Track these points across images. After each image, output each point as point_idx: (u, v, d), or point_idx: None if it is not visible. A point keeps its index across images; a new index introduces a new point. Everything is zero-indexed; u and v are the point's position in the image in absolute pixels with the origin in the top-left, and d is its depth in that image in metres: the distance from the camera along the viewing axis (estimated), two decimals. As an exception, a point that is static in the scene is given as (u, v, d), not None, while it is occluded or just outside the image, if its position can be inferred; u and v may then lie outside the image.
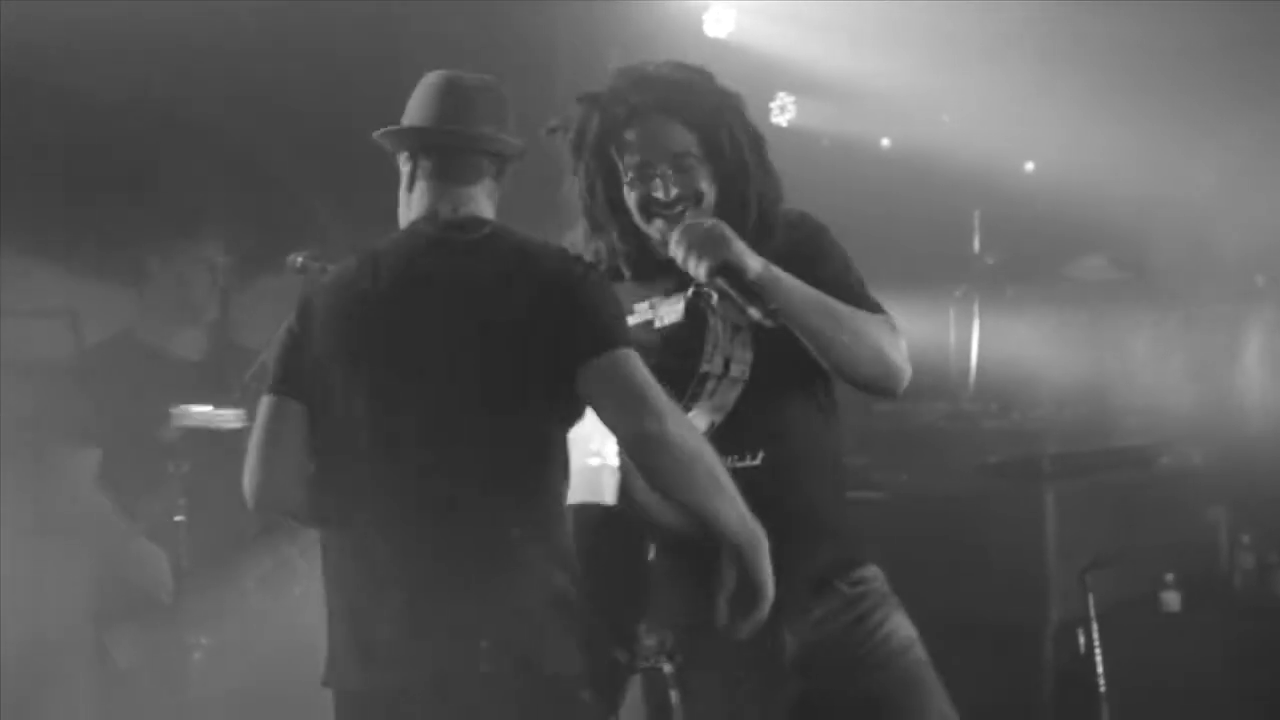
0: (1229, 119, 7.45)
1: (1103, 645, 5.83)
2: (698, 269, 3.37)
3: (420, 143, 3.33)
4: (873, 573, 3.64)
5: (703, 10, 6.95)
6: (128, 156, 5.77)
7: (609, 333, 3.09)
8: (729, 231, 3.39)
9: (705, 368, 3.45)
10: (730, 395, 3.49)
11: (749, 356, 3.49)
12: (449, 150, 3.31)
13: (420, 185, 3.32)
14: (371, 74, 6.53)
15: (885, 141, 8.43)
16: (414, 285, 3.17)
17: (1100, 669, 5.85)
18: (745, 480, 3.31)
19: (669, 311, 3.54)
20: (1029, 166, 8.70)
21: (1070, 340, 8.21)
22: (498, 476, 3.06)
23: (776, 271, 3.40)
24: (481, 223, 3.23)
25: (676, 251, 3.41)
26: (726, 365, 3.46)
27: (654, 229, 3.56)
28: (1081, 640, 5.96)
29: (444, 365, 3.10)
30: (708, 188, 3.54)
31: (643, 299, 3.60)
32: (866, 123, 8.10)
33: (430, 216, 3.26)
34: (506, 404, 3.08)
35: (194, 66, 6.05)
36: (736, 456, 3.47)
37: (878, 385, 3.52)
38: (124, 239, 5.26)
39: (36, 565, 5.02)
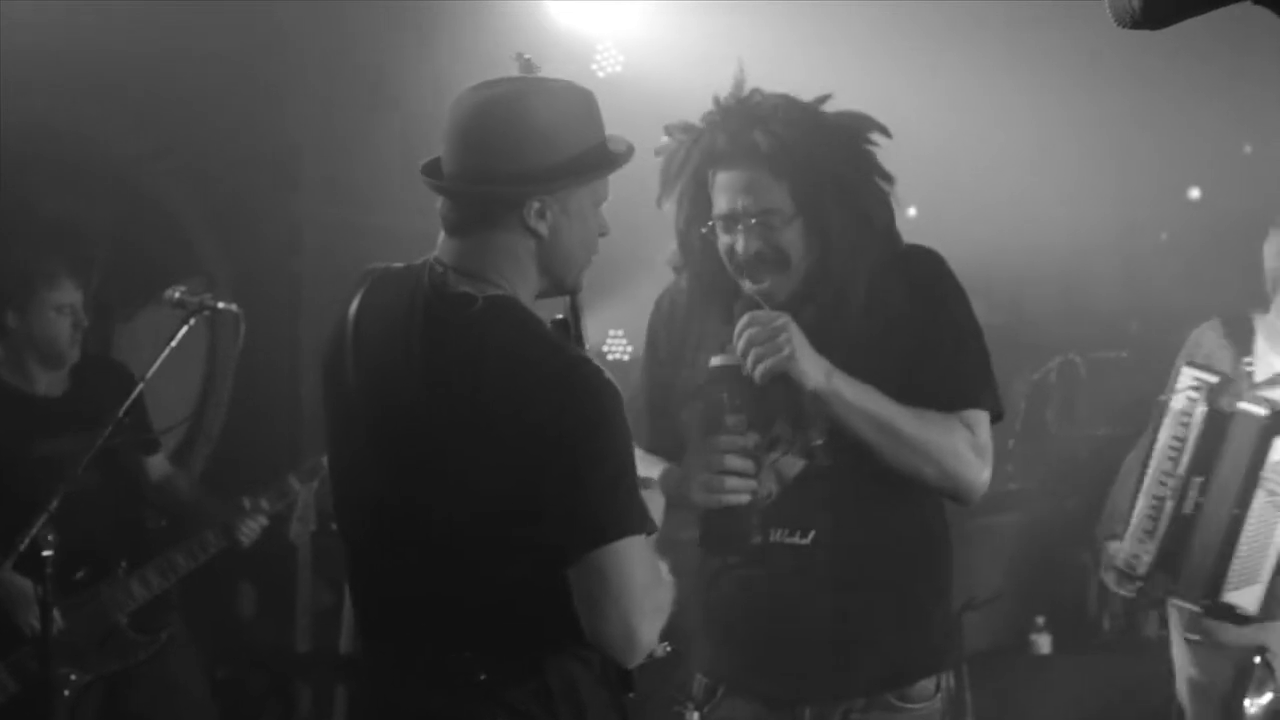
0: (1107, 169, 7.57)
1: (972, 687, 5.89)
2: (754, 368, 3.14)
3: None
4: (926, 690, 3.32)
5: (593, 47, 6.91)
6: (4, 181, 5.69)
7: (608, 517, 2.64)
8: (795, 335, 3.13)
9: (776, 432, 3.29)
10: (794, 467, 3.29)
11: (824, 431, 3.25)
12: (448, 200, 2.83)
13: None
14: (261, 106, 6.52)
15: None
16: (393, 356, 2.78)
17: (970, 710, 5.90)
18: (792, 558, 3.26)
19: None
20: (911, 212, 8.77)
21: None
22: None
23: (839, 384, 3.14)
24: (470, 299, 2.72)
25: (738, 340, 3.16)
26: (796, 435, 3.26)
27: (739, 280, 3.28)
28: (951, 682, 6.02)
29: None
30: (796, 248, 3.22)
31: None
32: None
33: (434, 266, 2.81)
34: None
35: (78, 92, 5.99)
36: (787, 531, 3.28)
37: (945, 494, 3.28)
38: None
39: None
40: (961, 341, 3.27)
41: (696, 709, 3.37)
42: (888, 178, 3.31)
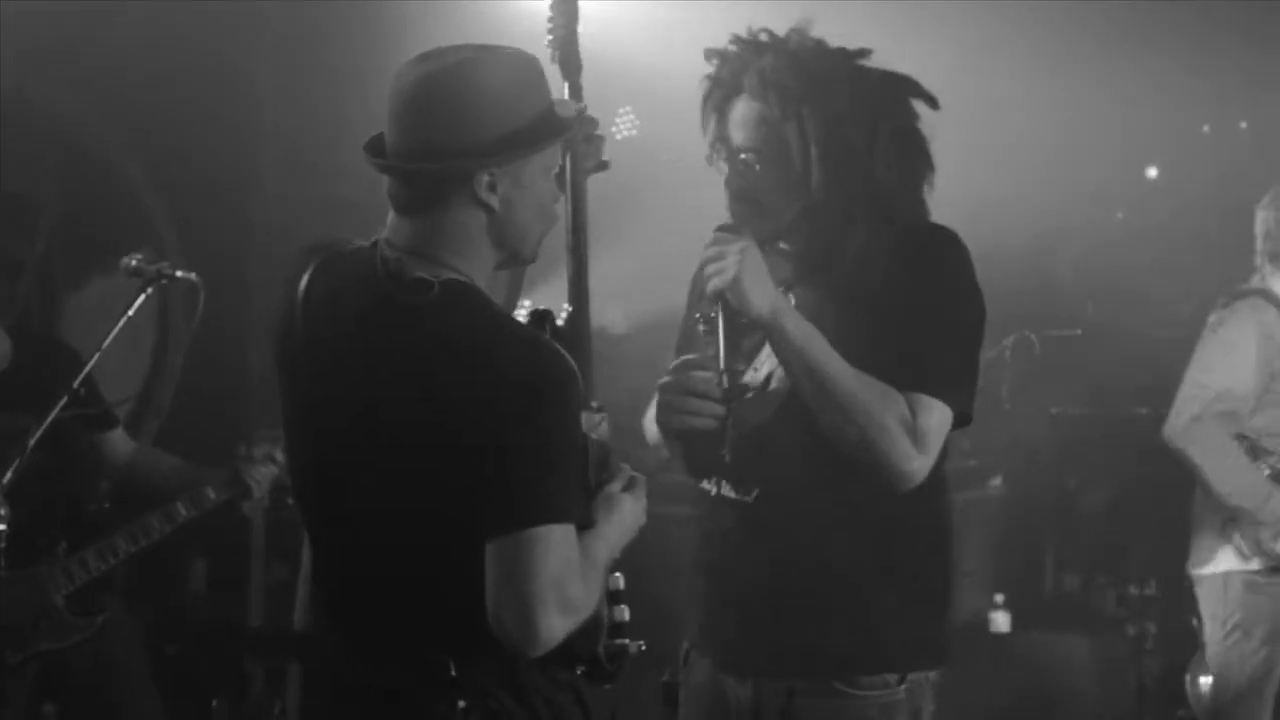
0: (1065, 147, 7.57)
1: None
2: (705, 285, 3.07)
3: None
4: (883, 680, 3.11)
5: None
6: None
7: (525, 501, 2.56)
8: (747, 260, 3.01)
9: (746, 375, 3.17)
10: (756, 415, 3.14)
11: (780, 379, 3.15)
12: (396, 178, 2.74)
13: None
14: (219, 76, 6.45)
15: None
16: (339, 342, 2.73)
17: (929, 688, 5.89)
18: (736, 515, 3.16)
19: None
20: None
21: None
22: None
23: (785, 320, 3.02)
24: (426, 284, 2.64)
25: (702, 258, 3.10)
26: (768, 380, 3.15)
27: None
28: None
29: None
30: (771, 190, 3.14)
31: None
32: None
33: (386, 249, 2.72)
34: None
35: (36, 56, 5.91)
36: (733, 485, 3.17)
37: (872, 473, 3.04)
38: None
39: None
40: (943, 329, 3.10)
41: (673, 671, 3.28)
42: (916, 142, 3.21)
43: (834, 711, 3.11)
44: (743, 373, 3.12)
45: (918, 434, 3.01)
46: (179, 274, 4.43)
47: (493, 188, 2.67)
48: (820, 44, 3.18)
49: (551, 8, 3.09)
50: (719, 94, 3.21)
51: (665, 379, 3.20)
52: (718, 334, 3.09)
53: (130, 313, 4.37)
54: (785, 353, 3.05)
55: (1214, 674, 5.15)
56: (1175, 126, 7.78)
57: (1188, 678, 5.25)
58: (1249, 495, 5.01)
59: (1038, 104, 7.39)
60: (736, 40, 3.20)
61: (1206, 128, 8.07)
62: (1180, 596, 6.74)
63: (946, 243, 3.18)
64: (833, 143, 3.09)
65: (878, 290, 3.08)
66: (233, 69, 6.55)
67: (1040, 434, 7.52)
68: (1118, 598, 7.00)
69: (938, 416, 3.04)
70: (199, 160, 6.45)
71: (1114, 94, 7.37)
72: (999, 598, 6.76)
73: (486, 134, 2.65)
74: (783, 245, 3.21)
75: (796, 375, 3.04)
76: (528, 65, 2.74)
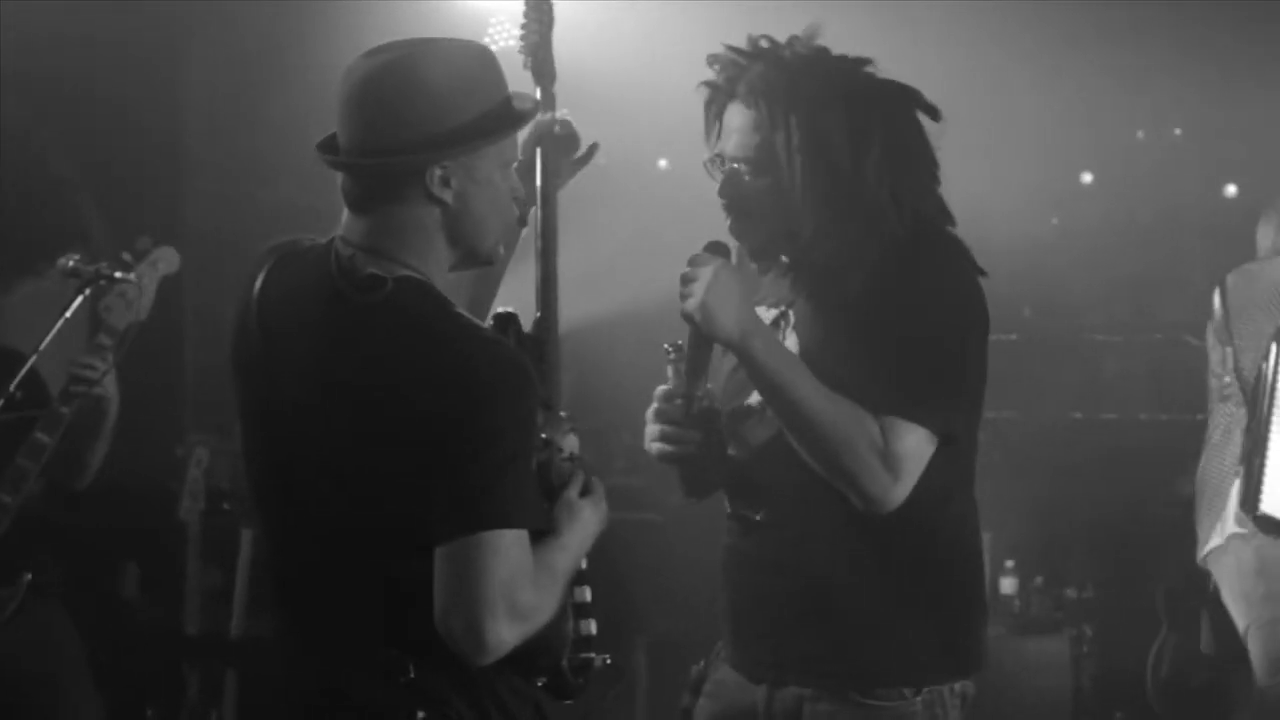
0: (999, 152, 7.60)
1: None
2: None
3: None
4: (899, 692, 3.04)
5: (486, 20, 6.85)
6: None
7: (475, 505, 2.51)
8: (715, 282, 2.94)
9: (749, 398, 3.16)
10: (760, 436, 3.13)
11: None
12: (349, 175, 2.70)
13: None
14: (153, 75, 6.41)
15: (662, 163, 8.40)
16: (292, 341, 2.69)
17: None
18: (747, 532, 3.19)
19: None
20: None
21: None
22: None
23: (755, 343, 2.96)
24: (380, 280, 2.60)
25: None
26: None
27: None
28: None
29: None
30: (761, 199, 3.06)
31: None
32: (645, 142, 8.10)
33: (340, 246, 2.68)
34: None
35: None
36: (745, 503, 3.18)
37: (852, 498, 2.97)
38: None
39: None
40: (916, 347, 2.97)
41: (706, 665, 3.32)
42: (913, 152, 3.10)
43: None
44: (703, 396, 3.10)
45: (890, 459, 2.93)
46: (117, 275, 4.39)
47: (446, 182, 2.62)
48: (819, 52, 3.11)
49: (525, 14, 3.05)
50: (717, 101, 3.15)
51: (651, 407, 3.19)
52: (685, 359, 3.09)
53: (68, 314, 4.34)
54: (754, 376, 3.01)
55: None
56: (1110, 132, 7.82)
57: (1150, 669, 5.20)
58: None
59: (971, 109, 7.40)
60: (733, 47, 3.14)
61: (1141, 134, 8.11)
62: (1116, 599, 6.81)
63: (927, 251, 3.05)
64: (820, 154, 3.01)
65: (856, 306, 3.01)
66: (168, 67, 6.51)
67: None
68: (1055, 601, 7.05)
69: (912, 440, 2.95)
70: (131, 160, 6.40)
71: (1049, 99, 7.40)
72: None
73: (437, 126, 2.60)
74: (785, 261, 3.18)
75: (767, 398, 3.02)
76: (480, 57, 2.70)
